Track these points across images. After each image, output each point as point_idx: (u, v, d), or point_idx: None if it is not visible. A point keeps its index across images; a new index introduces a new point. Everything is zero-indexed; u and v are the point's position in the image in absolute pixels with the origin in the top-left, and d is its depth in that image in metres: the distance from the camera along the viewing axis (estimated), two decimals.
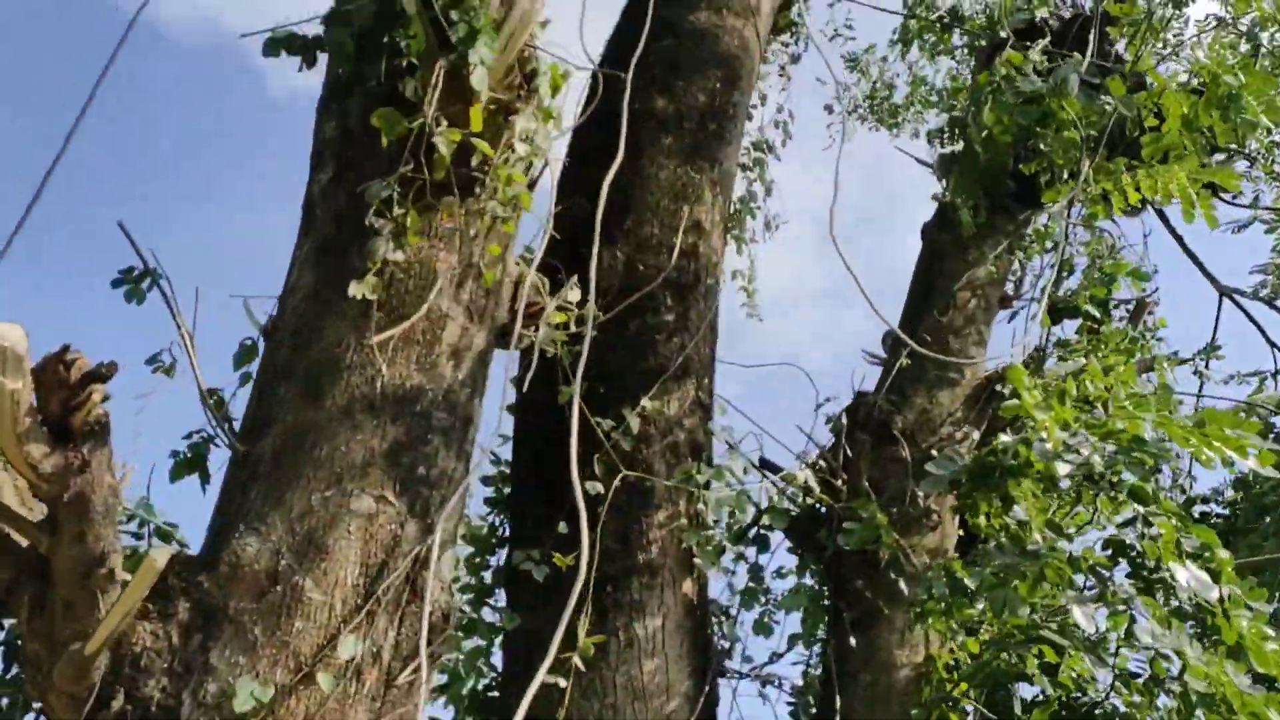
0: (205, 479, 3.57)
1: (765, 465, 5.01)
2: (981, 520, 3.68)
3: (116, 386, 2.90)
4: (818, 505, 4.62)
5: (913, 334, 5.11)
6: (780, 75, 8.28)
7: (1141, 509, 3.28)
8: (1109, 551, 3.57)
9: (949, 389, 4.96)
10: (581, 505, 3.37)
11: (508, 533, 4.70)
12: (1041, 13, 6.01)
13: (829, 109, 9.16)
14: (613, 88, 5.17)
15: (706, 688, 4.26)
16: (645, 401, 4.39)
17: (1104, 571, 3.27)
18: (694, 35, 5.32)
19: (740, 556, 4.86)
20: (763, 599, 4.78)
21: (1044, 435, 3.42)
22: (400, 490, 3.34)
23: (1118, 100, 4.31)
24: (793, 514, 4.67)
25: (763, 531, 4.79)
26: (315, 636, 3.06)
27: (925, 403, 4.93)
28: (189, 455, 3.59)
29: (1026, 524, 3.74)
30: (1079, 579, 3.30)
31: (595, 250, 4.06)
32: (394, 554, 3.26)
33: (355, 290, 3.31)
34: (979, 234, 5.30)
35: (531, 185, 4.27)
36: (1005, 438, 3.61)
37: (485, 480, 4.79)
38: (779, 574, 5.00)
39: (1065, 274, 4.94)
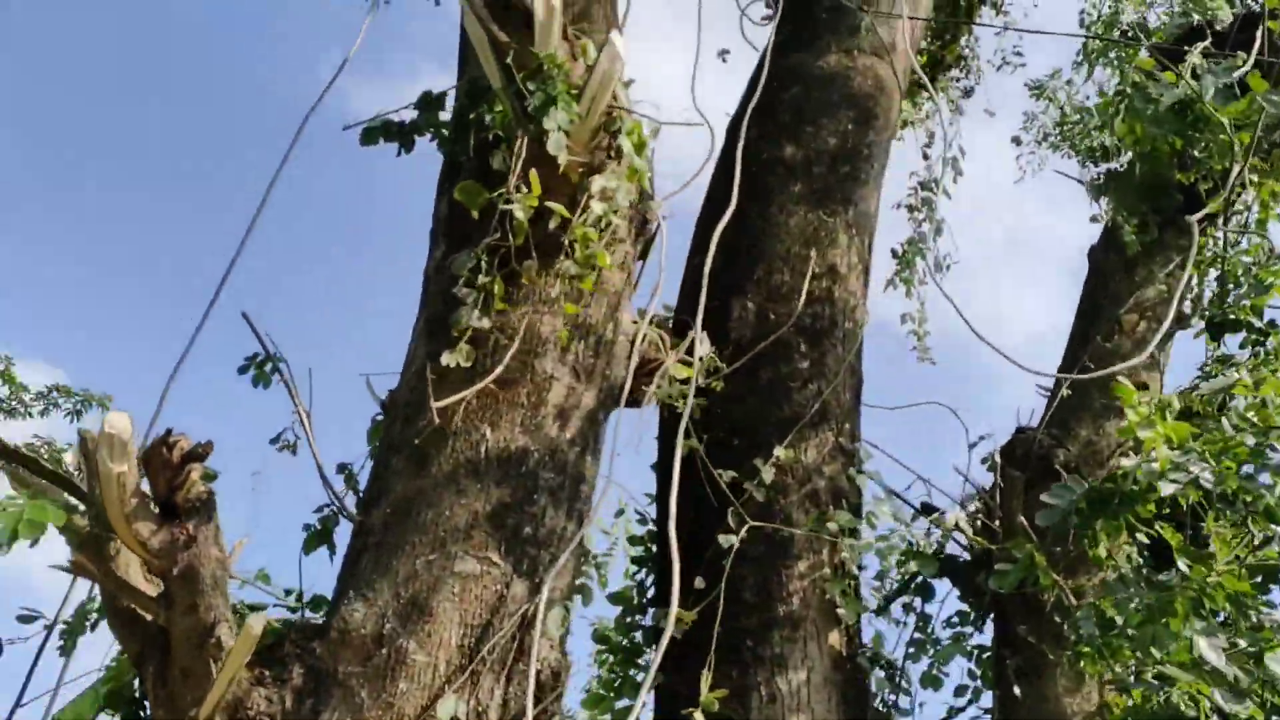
0: (332, 550, 3.73)
1: (927, 509, 4.84)
2: (1101, 552, 3.42)
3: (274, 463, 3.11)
4: (973, 548, 4.41)
5: (1076, 362, 4.85)
6: (951, 110, 8.11)
7: (1276, 528, 2.98)
8: (1259, 578, 3.24)
9: (1116, 418, 4.67)
10: (676, 560, 3.36)
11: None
12: (1220, 13, 5.67)
13: (1016, 140, 8.88)
14: (745, 141, 5.20)
15: None
16: (779, 450, 4.31)
17: (1245, 600, 2.98)
18: (823, 79, 5.28)
19: (909, 607, 4.70)
20: (930, 650, 4.59)
21: (1154, 454, 3.17)
22: (505, 551, 3.40)
23: (1260, 97, 4.00)
24: (943, 559, 4.47)
25: (926, 579, 4.63)
26: (419, 697, 3.14)
27: (1091, 434, 4.67)
28: (319, 528, 3.76)
29: (1156, 551, 3.47)
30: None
31: (701, 302, 4.06)
32: (499, 614, 3.33)
33: (448, 360, 3.42)
34: (1147, 251, 5.02)
35: (648, 244, 4.34)
36: (1127, 461, 3.36)
37: (632, 540, 4.79)
38: (949, 623, 4.80)
39: (1231, 285, 4.58)
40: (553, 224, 3.45)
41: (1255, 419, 3.33)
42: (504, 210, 3.37)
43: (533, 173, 3.36)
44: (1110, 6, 8.07)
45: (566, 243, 3.45)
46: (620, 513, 4.59)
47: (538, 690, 3.27)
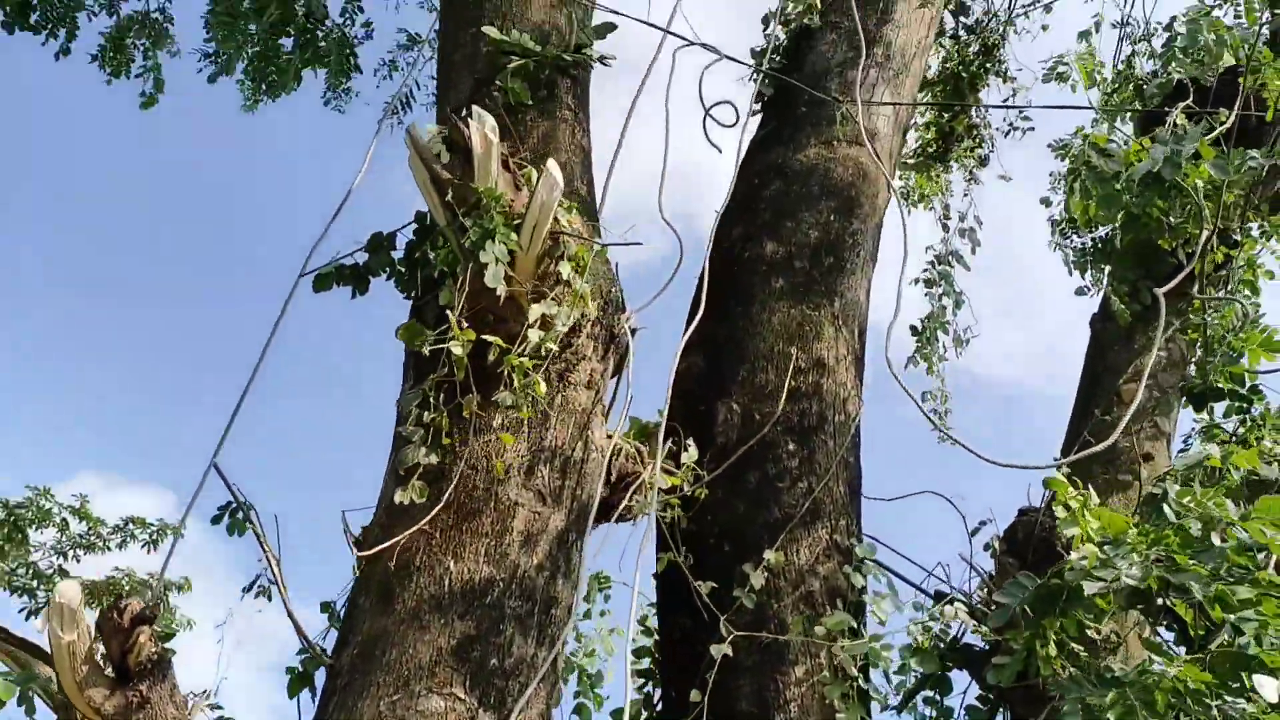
0: (313, 693, 3.76)
1: (941, 599, 4.74)
2: (1051, 650, 3.29)
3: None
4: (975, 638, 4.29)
5: (1077, 436, 4.75)
6: (967, 181, 8.07)
7: (1232, 616, 2.85)
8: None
9: (1120, 493, 4.55)
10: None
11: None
12: (1201, 73, 5.58)
13: (1045, 202, 8.79)
14: (728, 242, 5.24)
15: None
16: (768, 554, 4.27)
17: (1203, 694, 2.83)
18: (802, 173, 5.29)
19: (930, 701, 4.59)
20: None
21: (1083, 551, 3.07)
22: (471, 685, 3.40)
23: (1211, 163, 3.92)
24: (956, 650, 4.35)
25: (944, 673, 4.51)
26: None
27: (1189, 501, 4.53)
28: (301, 670, 3.80)
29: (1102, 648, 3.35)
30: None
31: (665, 410, 4.07)
32: None
33: (400, 497, 3.47)
34: (1144, 318, 4.91)
35: (622, 356, 4.35)
36: (1073, 556, 3.26)
37: (638, 652, 4.76)
38: (969, 712, 4.67)
39: (1212, 353, 4.43)
40: (492, 356, 3.49)
41: (1192, 505, 3.22)
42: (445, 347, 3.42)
43: (452, 308, 3.42)
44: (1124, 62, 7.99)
45: (505, 373, 3.49)
46: (613, 631, 4.56)
47: None
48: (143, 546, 13.25)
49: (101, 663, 3.08)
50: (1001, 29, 7.79)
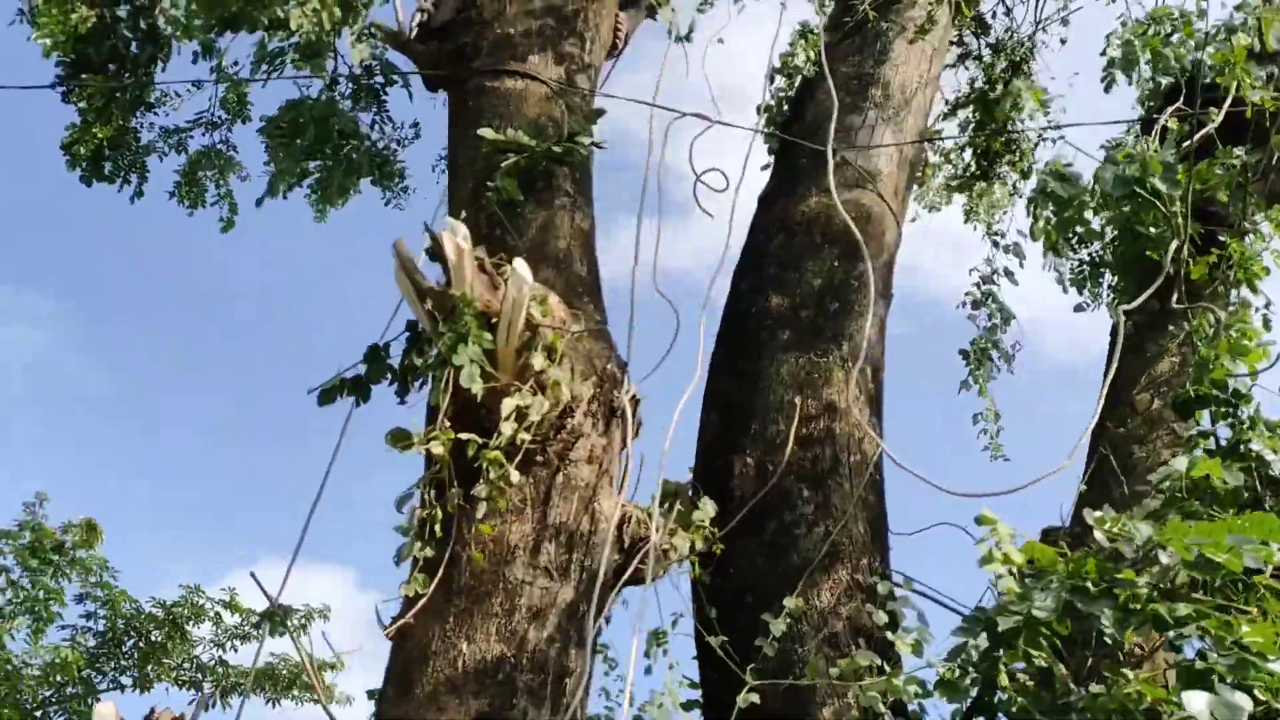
0: None
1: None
2: (1003, 678, 3.34)
3: None
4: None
5: (1095, 451, 4.80)
6: (1010, 195, 8.09)
7: (1171, 634, 2.89)
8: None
9: (1138, 505, 4.56)
10: None
11: None
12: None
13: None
14: (738, 300, 5.45)
15: None
16: (787, 601, 4.42)
17: (1162, 709, 2.89)
18: (803, 224, 5.47)
19: None
20: None
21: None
22: None
23: (1158, 180, 3.97)
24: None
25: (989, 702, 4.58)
26: None
27: (1114, 526, 4.57)
28: None
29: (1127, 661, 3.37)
30: None
31: (660, 483, 4.27)
32: None
33: (404, 590, 3.76)
34: (1154, 326, 4.94)
35: (635, 425, 4.58)
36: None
37: (687, 706, 4.93)
38: None
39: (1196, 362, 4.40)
40: (471, 451, 3.77)
41: (1113, 530, 3.27)
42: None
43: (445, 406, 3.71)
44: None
45: (482, 467, 3.76)
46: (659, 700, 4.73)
47: None
48: (295, 632, 13.94)
49: None
50: (1029, 42, 7.80)
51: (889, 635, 4.47)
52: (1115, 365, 4.90)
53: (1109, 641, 3.05)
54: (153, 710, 3.44)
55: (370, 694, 4.29)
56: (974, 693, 3.98)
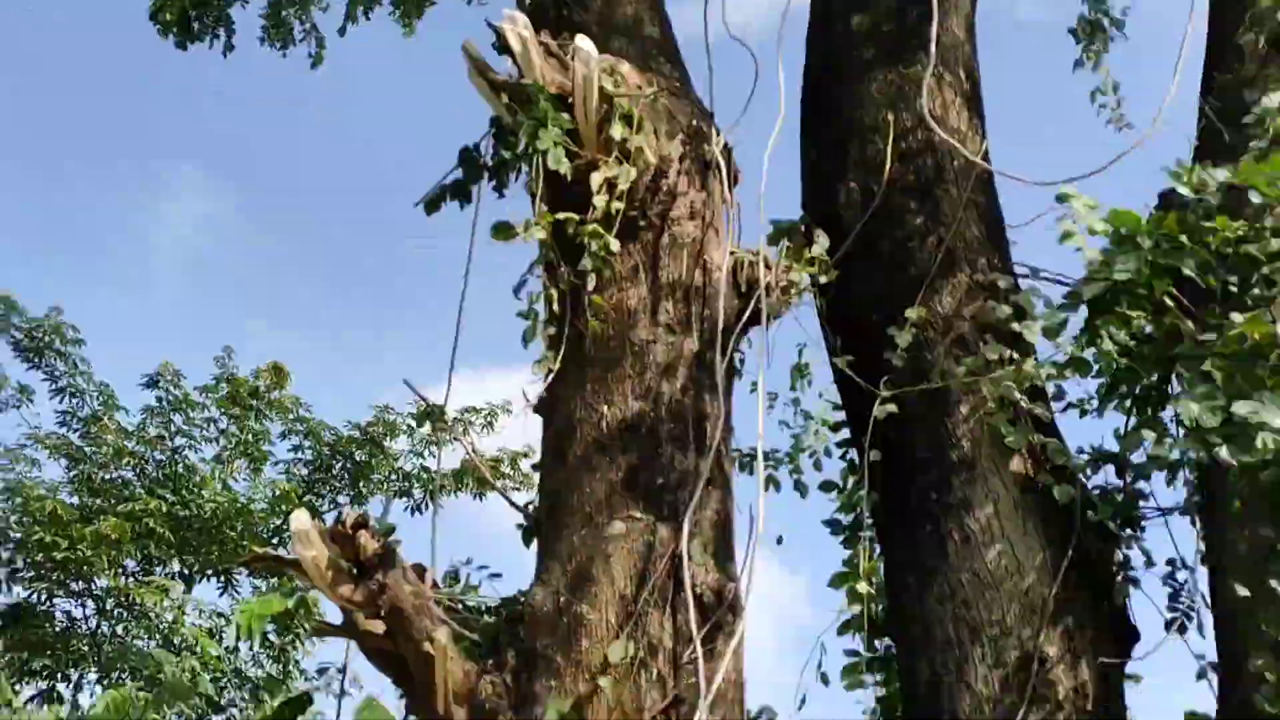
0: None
1: None
2: (1106, 344, 3.35)
3: None
4: None
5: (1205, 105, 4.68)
6: None
7: (1265, 269, 2.87)
8: None
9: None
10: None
11: None
12: None
13: None
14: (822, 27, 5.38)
15: (1070, 550, 4.25)
16: (909, 311, 4.52)
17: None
18: None
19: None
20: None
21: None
22: (646, 505, 3.95)
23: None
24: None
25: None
26: (599, 649, 3.78)
27: (1190, 177, 4.47)
28: (527, 527, 4.46)
29: None
30: None
31: (768, 224, 4.35)
32: (652, 558, 3.89)
33: (535, 370, 4.01)
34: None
35: (730, 178, 4.66)
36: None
37: (834, 426, 5.11)
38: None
39: None
40: (570, 229, 3.93)
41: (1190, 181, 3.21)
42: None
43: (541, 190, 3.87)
44: None
45: (585, 241, 3.92)
46: (809, 415, 4.93)
47: (702, 610, 3.81)
48: (481, 429, 14.74)
49: (344, 565, 3.84)
50: None
51: (1014, 327, 4.57)
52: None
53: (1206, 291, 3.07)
54: (340, 514, 3.82)
55: (535, 467, 4.64)
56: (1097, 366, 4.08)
